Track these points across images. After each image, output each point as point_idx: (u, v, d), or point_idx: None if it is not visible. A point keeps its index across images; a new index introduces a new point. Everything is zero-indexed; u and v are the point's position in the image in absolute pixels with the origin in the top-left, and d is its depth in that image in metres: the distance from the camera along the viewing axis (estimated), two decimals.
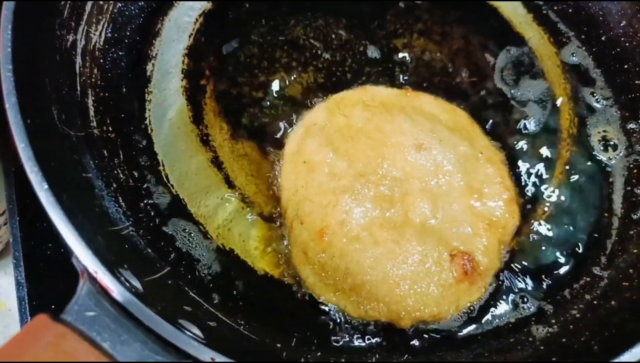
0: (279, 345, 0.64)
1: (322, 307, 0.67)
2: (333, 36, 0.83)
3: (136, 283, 0.54)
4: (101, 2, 0.77)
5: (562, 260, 0.71)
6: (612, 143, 0.78)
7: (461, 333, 0.67)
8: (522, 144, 0.77)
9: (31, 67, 0.61)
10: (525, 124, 0.79)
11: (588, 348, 0.61)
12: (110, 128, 0.73)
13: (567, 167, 0.76)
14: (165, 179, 0.73)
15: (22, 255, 0.69)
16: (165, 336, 0.48)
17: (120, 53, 0.79)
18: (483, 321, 0.67)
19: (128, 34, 0.80)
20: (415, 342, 0.66)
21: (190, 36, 0.82)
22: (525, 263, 0.71)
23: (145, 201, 0.71)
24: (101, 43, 0.77)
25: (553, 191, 0.75)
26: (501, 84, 0.81)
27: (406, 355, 0.65)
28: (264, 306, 0.67)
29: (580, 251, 0.72)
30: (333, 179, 0.70)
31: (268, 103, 0.78)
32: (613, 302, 0.66)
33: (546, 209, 0.74)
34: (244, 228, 0.71)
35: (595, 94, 0.81)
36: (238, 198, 0.73)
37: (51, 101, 0.64)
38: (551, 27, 0.86)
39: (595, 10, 0.87)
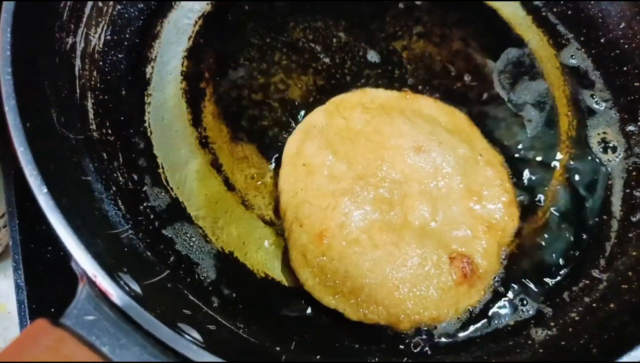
0: (278, 348, 0.64)
1: (321, 310, 0.67)
2: (332, 38, 0.83)
3: (135, 287, 0.54)
4: (100, 4, 0.77)
5: (561, 262, 0.71)
6: (611, 145, 0.78)
7: (460, 336, 0.67)
8: (522, 146, 0.77)
9: (30, 69, 0.61)
10: (524, 126, 0.79)
11: (587, 351, 0.61)
12: (109, 131, 0.73)
13: (566, 169, 0.76)
14: (164, 181, 0.73)
15: (22, 257, 0.69)
16: (165, 340, 0.48)
17: (120, 55, 0.79)
18: (482, 324, 0.67)
19: (127, 36, 0.80)
20: (415, 345, 0.66)
21: (189, 38, 0.82)
22: (524, 266, 0.71)
23: (144, 204, 0.71)
24: (100, 45, 0.77)
25: (552, 194, 0.75)
26: (500, 86, 0.81)
27: (405, 358, 0.65)
28: (263, 310, 0.67)
29: (579, 254, 0.72)
30: (332, 181, 0.70)
31: (267, 106, 0.78)
32: (612, 305, 0.67)
33: (545, 211, 0.74)
34: (243, 231, 0.71)
35: (594, 96, 0.81)
36: (237, 201, 0.73)
37: (50, 103, 0.64)
38: (550, 29, 0.86)
39: (595, 12, 0.87)
